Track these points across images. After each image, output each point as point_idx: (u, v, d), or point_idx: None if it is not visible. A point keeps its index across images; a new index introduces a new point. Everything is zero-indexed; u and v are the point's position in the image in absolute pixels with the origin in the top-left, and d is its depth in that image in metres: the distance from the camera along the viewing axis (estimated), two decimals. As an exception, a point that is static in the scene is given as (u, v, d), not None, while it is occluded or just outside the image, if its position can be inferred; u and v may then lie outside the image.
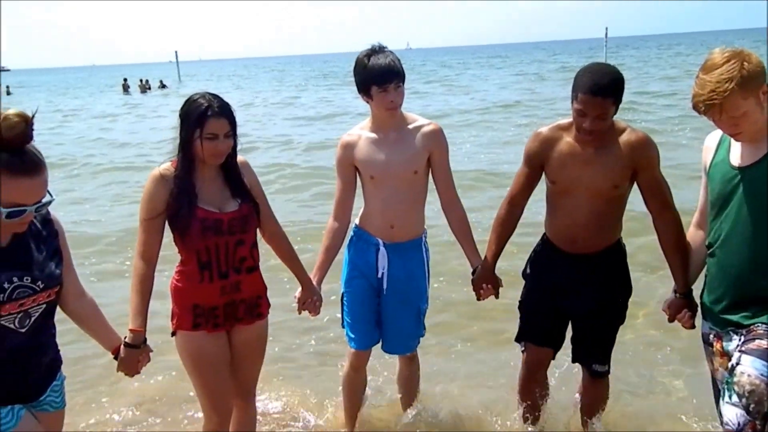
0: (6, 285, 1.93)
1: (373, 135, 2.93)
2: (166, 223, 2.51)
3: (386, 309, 3.07)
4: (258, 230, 2.68)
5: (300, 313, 2.98)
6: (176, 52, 53.53)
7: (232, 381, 2.71)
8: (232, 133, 2.48)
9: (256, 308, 2.67)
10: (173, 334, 2.61)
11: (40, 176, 1.90)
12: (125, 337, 2.42)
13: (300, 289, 2.92)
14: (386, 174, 2.91)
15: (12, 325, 1.98)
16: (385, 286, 3.02)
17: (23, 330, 2.01)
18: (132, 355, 2.42)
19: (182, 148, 2.47)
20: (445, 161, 2.98)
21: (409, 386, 3.35)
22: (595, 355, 2.96)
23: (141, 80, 43.58)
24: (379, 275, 3.02)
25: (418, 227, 3.06)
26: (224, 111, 2.44)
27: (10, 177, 1.83)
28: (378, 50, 2.83)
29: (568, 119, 2.70)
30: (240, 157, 2.61)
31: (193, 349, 2.57)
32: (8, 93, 45.69)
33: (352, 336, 3.10)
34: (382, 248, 2.99)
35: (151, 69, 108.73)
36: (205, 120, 2.40)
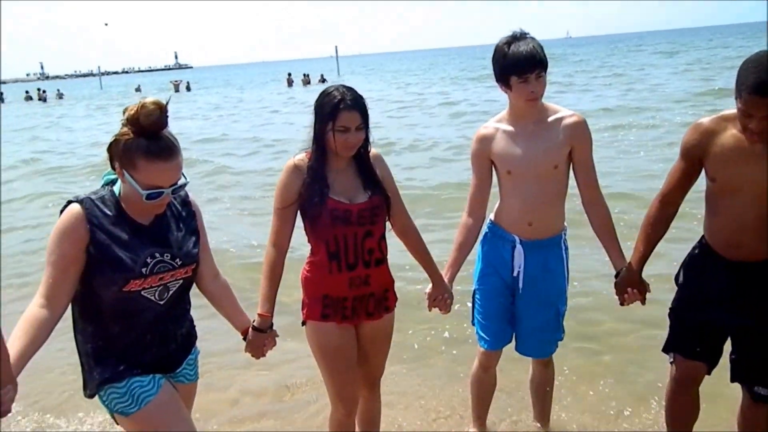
0: (148, 260, 2.09)
1: (511, 128, 2.79)
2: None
3: (522, 309, 2.93)
4: (390, 224, 2.67)
5: (430, 309, 2.91)
6: (336, 47, 55.67)
7: (359, 371, 2.73)
8: (364, 125, 2.48)
9: (384, 302, 2.66)
10: (303, 323, 2.67)
11: (175, 160, 2.03)
12: (253, 321, 2.52)
13: (431, 285, 2.86)
14: (524, 168, 2.76)
15: (153, 297, 2.14)
16: (520, 285, 2.88)
17: (162, 302, 2.17)
18: (259, 338, 2.52)
19: (315, 140, 2.51)
20: (588, 156, 2.77)
21: (542, 392, 3.18)
22: (757, 376, 2.61)
23: (304, 75, 46.01)
24: (515, 273, 2.87)
25: (557, 224, 2.88)
26: (356, 104, 2.45)
27: (148, 161, 1.98)
28: (519, 37, 2.68)
29: (734, 109, 2.39)
30: (373, 150, 2.61)
31: (322, 339, 2.61)
32: (188, 89, 50.20)
33: (483, 336, 2.99)
34: (518, 245, 2.85)
35: (315, 64, 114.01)
36: (337, 113, 2.42)
